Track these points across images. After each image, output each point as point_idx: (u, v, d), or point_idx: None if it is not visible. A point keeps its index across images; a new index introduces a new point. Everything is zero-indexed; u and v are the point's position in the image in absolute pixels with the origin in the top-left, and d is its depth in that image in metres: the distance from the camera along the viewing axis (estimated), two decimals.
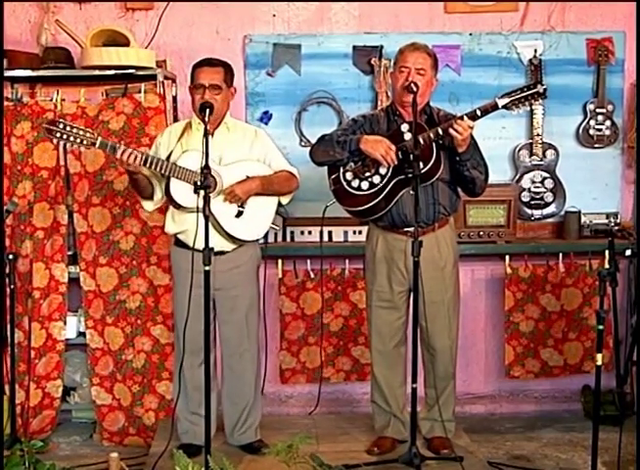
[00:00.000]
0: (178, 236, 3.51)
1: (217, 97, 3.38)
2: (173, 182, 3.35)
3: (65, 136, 3.25)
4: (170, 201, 3.42)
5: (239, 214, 3.45)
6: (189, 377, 3.51)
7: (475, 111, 3.29)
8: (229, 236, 3.44)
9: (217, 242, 3.37)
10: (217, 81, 3.40)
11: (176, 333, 3.61)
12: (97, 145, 3.28)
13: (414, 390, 3.25)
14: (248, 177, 3.45)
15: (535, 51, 4.40)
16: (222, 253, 3.44)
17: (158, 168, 3.33)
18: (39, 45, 4.28)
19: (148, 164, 3.32)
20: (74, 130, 3.27)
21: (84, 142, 3.27)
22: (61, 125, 3.27)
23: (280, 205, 3.59)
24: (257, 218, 3.50)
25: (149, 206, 3.59)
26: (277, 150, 3.62)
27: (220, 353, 3.64)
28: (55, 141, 3.34)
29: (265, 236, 4.25)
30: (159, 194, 3.51)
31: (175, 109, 4.28)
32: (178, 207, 3.40)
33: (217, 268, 3.34)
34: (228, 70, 3.47)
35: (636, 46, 4.31)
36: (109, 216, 4.10)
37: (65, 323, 4.14)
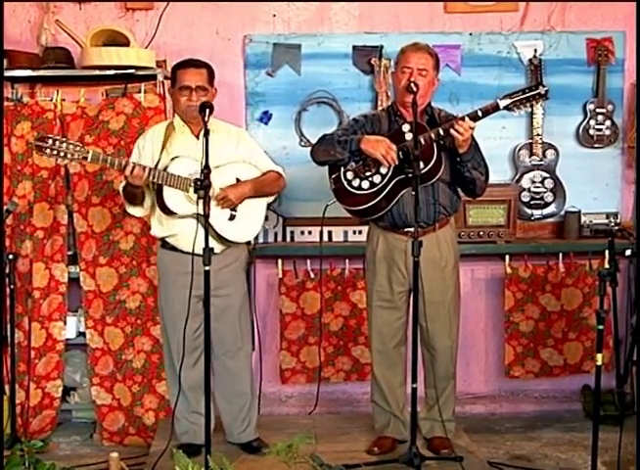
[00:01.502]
0: (167, 240, 3.47)
1: (204, 98, 3.34)
2: (166, 190, 3.32)
3: (55, 151, 3.15)
4: (163, 208, 3.37)
5: (232, 218, 3.45)
6: (184, 378, 3.50)
7: (476, 111, 3.29)
8: (223, 239, 3.43)
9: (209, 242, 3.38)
10: (203, 82, 3.39)
11: (165, 336, 3.58)
12: (89, 159, 3.22)
13: (414, 390, 3.25)
14: (237, 180, 3.44)
15: (535, 51, 4.40)
16: (212, 253, 3.43)
17: (151, 178, 3.29)
18: (39, 45, 4.27)
19: (150, 177, 3.29)
20: (64, 145, 3.17)
21: (75, 156, 3.19)
22: (50, 141, 3.16)
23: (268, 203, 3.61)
24: (250, 220, 3.51)
25: (138, 212, 3.52)
26: (261, 150, 3.63)
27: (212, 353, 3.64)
28: (45, 157, 3.24)
29: (265, 236, 4.28)
30: (149, 201, 3.45)
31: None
32: (170, 213, 3.37)
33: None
34: (211, 71, 3.45)
35: (636, 46, 4.31)
36: (108, 216, 4.10)
37: (65, 323, 4.14)
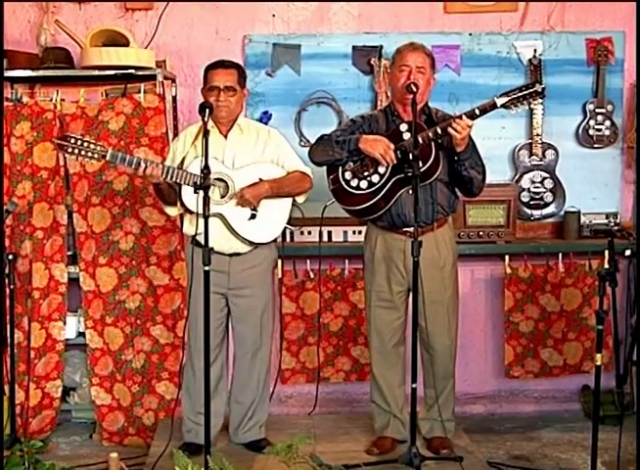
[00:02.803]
0: (197, 238, 3.50)
1: (232, 99, 3.41)
2: (185, 189, 3.36)
3: (76, 150, 3.27)
4: (182, 207, 3.44)
5: (252, 217, 3.46)
6: (199, 375, 3.50)
7: (473, 110, 3.30)
8: (243, 239, 3.45)
9: (232, 244, 3.43)
10: (231, 83, 3.42)
11: (191, 331, 3.58)
12: (107, 157, 3.31)
13: (413, 390, 3.25)
14: (260, 180, 3.45)
15: (535, 51, 4.40)
16: (237, 254, 3.45)
17: (169, 177, 3.33)
18: (39, 45, 4.28)
19: (164, 175, 3.33)
20: (85, 144, 3.28)
21: (95, 156, 3.29)
22: (72, 140, 3.27)
23: (295, 204, 3.59)
24: (271, 220, 3.51)
25: (173, 211, 3.58)
26: (291, 150, 3.62)
27: (232, 353, 3.64)
28: (67, 156, 3.34)
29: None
30: None
31: (175, 109, 4.29)
32: (190, 212, 3.40)
33: (232, 269, 3.43)
34: (241, 72, 3.49)
35: (636, 46, 4.31)
36: (108, 216, 4.10)
37: (64, 323, 4.14)
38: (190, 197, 3.34)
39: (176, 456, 2.88)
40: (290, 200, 3.56)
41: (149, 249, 4.09)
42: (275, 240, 3.61)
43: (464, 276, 4.05)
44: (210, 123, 3.45)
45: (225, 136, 3.48)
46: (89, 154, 3.28)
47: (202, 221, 3.31)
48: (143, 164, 3.29)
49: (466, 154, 3.33)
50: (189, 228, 3.52)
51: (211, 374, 3.38)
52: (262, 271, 3.57)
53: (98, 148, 3.29)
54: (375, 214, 3.43)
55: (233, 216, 3.41)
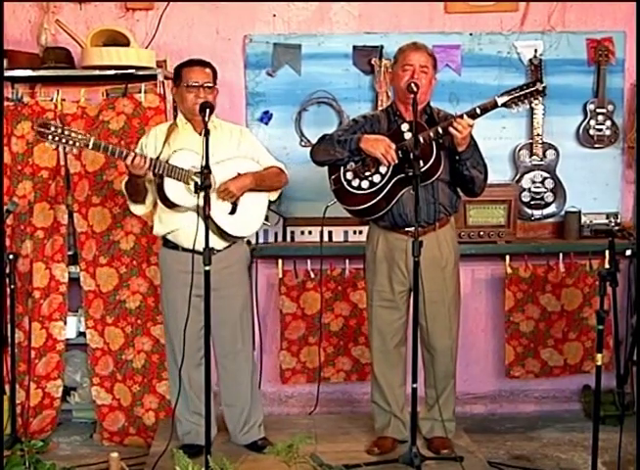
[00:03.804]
0: (167, 237, 3.49)
1: (210, 96, 3.39)
2: (167, 181, 3.34)
3: (57, 138, 3.19)
4: (164, 200, 3.39)
5: (232, 211, 3.45)
6: (186, 378, 3.51)
7: (474, 109, 3.30)
8: (223, 233, 3.43)
9: (210, 240, 3.39)
10: (210, 81, 3.42)
11: (168, 335, 3.58)
12: (90, 146, 3.24)
13: (414, 390, 3.25)
14: (239, 174, 3.45)
15: (535, 51, 4.40)
16: (213, 252, 3.43)
17: (153, 168, 3.31)
18: (39, 45, 4.28)
19: (150, 167, 3.31)
20: (66, 132, 3.21)
21: (76, 144, 3.21)
22: (52, 128, 3.21)
23: (269, 201, 3.60)
24: (251, 215, 3.51)
25: (140, 210, 3.54)
26: (263, 147, 3.63)
27: (214, 354, 3.64)
28: (47, 143, 3.25)
29: (265, 236, 4.27)
30: (151, 197, 3.48)
31: (175, 109, 4.27)
32: (172, 206, 3.38)
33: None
34: (214, 71, 3.49)
35: (636, 46, 4.31)
36: (109, 216, 4.11)
37: (65, 323, 4.15)
38: (174, 191, 3.33)
39: (177, 456, 2.88)
40: (267, 195, 3.56)
41: (149, 248, 4.09)
42: (251, 235, 3.61)
43: (464, 276, 4.04)
44: (184, 121, 3.47)
45: (199, 133, 3.43)
46: (70, 142, 3.19)
47: (175, 218, 3.38)
48: (131, 155, 3.25)
49: (467, 153, 3.33)
50: (159, 228, 3.49)
51: (198, 377, 3.38)
52: (238, 270, 3.56)
53: (79, 136, 3.22)
54: (376, 214, 3.43)
55: (214, 210, 3.35)
